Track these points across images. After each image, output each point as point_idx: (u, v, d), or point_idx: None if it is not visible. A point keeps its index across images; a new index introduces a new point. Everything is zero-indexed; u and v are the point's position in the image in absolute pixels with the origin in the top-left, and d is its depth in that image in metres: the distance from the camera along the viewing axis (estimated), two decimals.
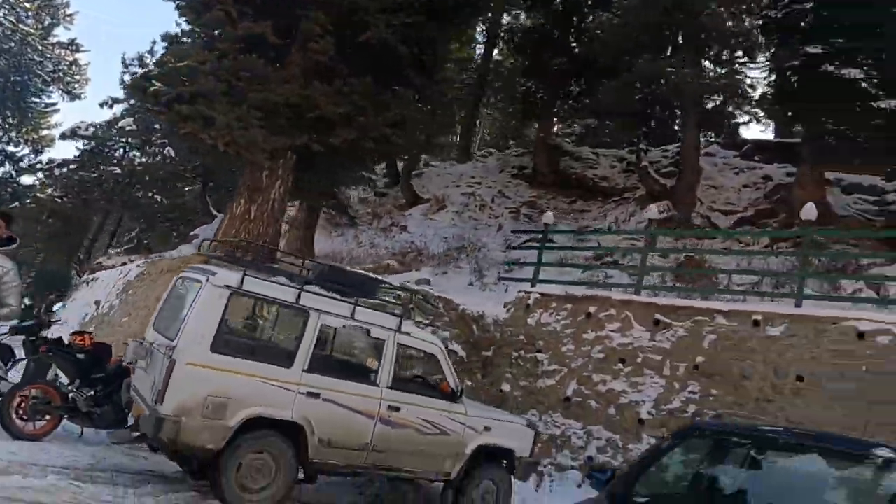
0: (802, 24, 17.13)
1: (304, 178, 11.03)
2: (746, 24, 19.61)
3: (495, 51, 25.83)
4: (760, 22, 18.86)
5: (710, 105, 19.20)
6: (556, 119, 23.55)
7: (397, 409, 6.27)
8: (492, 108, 28.78)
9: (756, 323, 8.34)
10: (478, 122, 42.48)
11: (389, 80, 9.96)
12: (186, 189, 24.49)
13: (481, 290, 13.05)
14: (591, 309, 9.70)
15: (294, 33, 9.96)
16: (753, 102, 19.66)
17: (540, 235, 11.99)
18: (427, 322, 9.92)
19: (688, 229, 16.57)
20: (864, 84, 16.45)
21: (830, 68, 16.32)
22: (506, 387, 9.80)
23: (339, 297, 6.17)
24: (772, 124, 24.61)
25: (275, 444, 5.70)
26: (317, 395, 5.84)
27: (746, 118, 23.77)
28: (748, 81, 20.47)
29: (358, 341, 6.80)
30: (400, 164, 21.09)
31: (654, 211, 10.21)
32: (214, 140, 8.79)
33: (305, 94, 9.33)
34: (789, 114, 18.89)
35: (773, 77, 19.37)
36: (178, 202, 22.11)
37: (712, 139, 23.91)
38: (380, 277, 9.32)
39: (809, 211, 9.07)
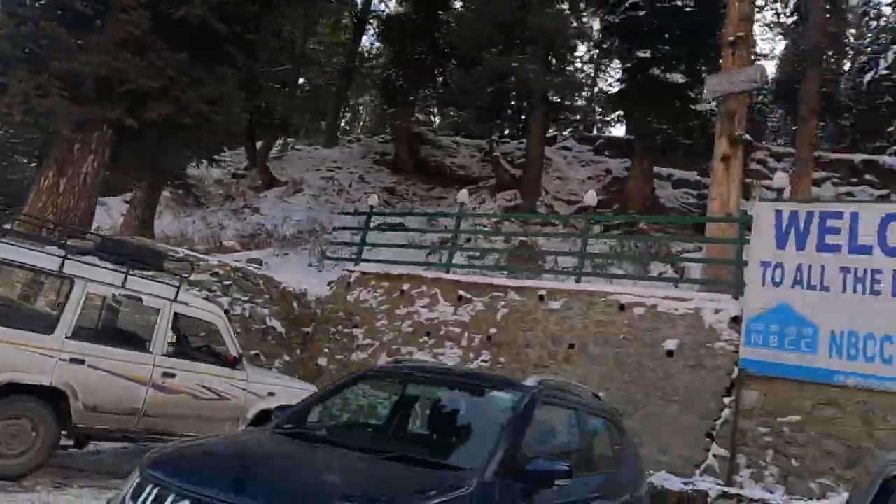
0: (637, 29, 18.62)
1: (125, 153, 10.83)
2: (590, 26, 21.03)
3: (364, 37, 26.07)
4: (603, 25, 20.30)
5: (557, 101, 20.30)
6: (418, 107, 24.17)
7: (172, 376, 6.47)
8: (358, 94, 28.98)
9: (541, 298, 9.21)
10: (361, 109, 42.49)
11: (208, 57, 9.97)
12: (31, 164, 22.99)
13: (319, 270, 13.34)
14: (405, 287, 10.26)
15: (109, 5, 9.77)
16: (595, 100, 21.20)
17: (372, 217, 12.38)
18: (246, 298, 10.14)
19: (530, 215, 17.69)
20: (685, 88, 18.21)
21: (657, 72, 17.93)
22: (322, 360, 10.17)
23: (111, 266, 6.27)
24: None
25: (32, 409, 5.75)
26: (81, 362, 5.92)
27: (595, 115, 25.56)
28: (589, 80, 22.10)
29: (130, 310, 6.90)
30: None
31: (464, 195, 10.84)
32: (10, 108, 8.50)
33: (115, 66, 9.20)
34: (626, 112, 20.57)
35: (616, 78, 21.02)
36: (14, 178, 20.72)
37: (569, 134, 25.41)
38: (186, 252, 9.39)
39: (590, 198, 10.03)
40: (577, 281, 9.49)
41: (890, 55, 10.89)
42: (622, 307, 8.64)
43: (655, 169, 20.11)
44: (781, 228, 8.07)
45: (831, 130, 34.65)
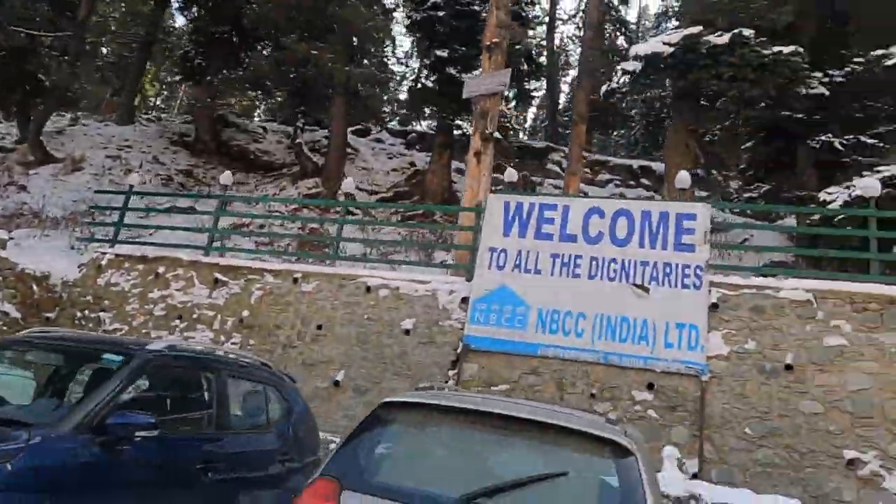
0: (437, 28, 19.43)
1: None
2: (394, 22, 21.56)
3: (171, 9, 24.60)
4: (409, 21, 20.92)
5: (362, 92, 20.54)
6: (228, 89, 23.29)
7: None
8: (168, 70, 27.36)
9: (295, 280, 9.40)
10: (182, 86, 39.91)
11: None
12: None
13: (81, 253, 12.47)
14: (161, 269, 9.95)
15: None
16: (399, 93, 21.89)
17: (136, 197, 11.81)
18: None
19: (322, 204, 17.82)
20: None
21: (454, 71, 18.86)
22: None
23: None
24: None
25: None
26: None
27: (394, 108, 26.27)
28: (397, 73, 22.81)
29: None
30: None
31: (227, 177, 10.71)
32: None
33: None
34: (427, 108, 21.41)
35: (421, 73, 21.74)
36: None
37: (383, 126, 25.86)
38: None
39: (348, 185, 10.40)
40: (332, 264, 9.80)
41: (619, 71, 12.45)
42: (369, 289, 9.08)
43: (457, 164, 21.16)
44: (508, 218, 8.95)
45: (628, 138, 38.57)
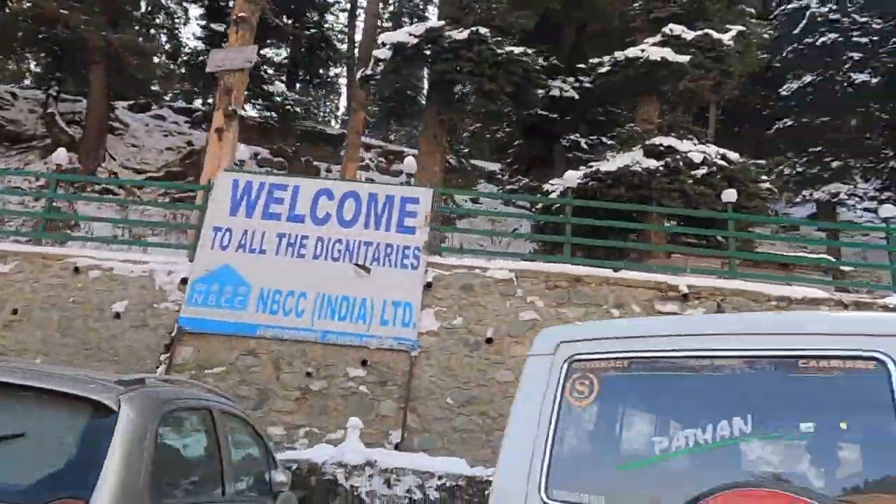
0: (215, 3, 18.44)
1: None
2: None
3: None
4: None
5: (133, 62, 18.93)
6: None
7: None
8: None
9: None
10: None
11: None
12: None
13: None
14: None
15: None
16: (174, 68, 20.58)
17: None
18: None
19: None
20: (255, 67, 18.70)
21: None
22: None
23: None
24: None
25: None
26: None
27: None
28: (190, 47, 21.48)
29: None
30: None
31: None
32: None
33: None
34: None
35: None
36: None
37: (162, 101, 24.10)
38: None
39: (59, 157, 9.47)
40: (39, 243, 8.90)
41: (373, 59, 12.66)
42: (77, 270, 8.35)
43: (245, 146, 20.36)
44: (237, 197, 8.71)
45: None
